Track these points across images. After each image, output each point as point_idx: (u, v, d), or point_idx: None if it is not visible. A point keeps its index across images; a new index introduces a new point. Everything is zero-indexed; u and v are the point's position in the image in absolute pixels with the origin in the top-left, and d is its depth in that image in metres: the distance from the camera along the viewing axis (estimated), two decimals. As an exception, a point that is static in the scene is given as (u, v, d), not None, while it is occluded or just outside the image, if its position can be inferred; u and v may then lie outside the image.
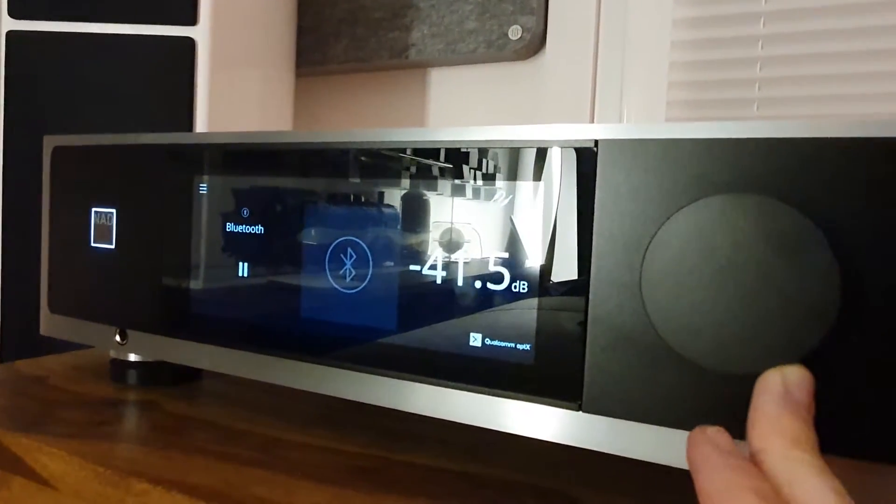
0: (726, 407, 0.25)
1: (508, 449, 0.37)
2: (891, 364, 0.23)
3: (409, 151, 0.33)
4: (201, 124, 0.75)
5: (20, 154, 0.76)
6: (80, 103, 0.74)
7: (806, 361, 0.23)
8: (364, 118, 1.06)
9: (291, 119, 0.99)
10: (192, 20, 0.74)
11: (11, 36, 0.74)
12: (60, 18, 0.73)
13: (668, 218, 0.25)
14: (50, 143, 0.45)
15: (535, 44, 0.91)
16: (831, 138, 0.23)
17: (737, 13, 0.82)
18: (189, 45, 0.74)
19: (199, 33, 0.75)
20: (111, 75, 0.74)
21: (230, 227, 0.37)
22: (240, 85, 0.84)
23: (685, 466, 0.27)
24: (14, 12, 0.74)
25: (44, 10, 0.73)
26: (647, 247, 0.26)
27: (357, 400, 0.34)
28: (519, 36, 0.91)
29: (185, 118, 0.75)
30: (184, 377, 0.48)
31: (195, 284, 0.39)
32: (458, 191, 0.31)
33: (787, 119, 0.24)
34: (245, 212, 0.37)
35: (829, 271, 0.23)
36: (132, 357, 0.47)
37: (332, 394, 0.35)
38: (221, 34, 0.77)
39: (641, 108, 0.87)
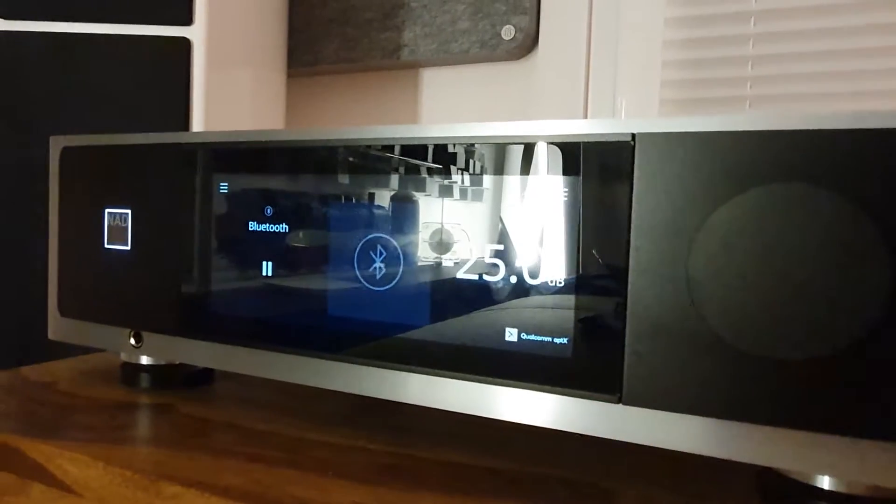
0: (773, 394, 0.25)
1: (536, 444, 0.38)
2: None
3: (449, 148, 0.32)
4: (197, 124, 0.75)
5: (15, 156, 0.74)
6: (76, 105, 0.73)
7: (854, 348, 0.24)
8: (356, 119, 1.05)
9: (283, 120, 0.98)
10: (187, 20, 0.74)
11: (3, 37, 0.72)
12: (54, 19, 0.72)
13: (714, 209, 0.26)
14: (58, 143, 0.45)
15: (528, 44, 0.92)
16: (876, 129, 0.24)
17: (728, 11, 0.83)
18: (185, 45, 0.74)
19: (194, 33, 0.74)
20: (106, 76, 0.73)
21: (252, 225, 0.37)
22: (234, 85, 0.83)
23: (726, 456, 0.27)
24: (6, 13, 0.72)
25: (37, 10, 0.72)
26: (692, 238, 0.26)
27: (390, 399, 0.34)
28: (512, 36, 0.91)
29: (181, 119, 0.74)
30: (196, 380, 0.47)
31: (216, 284, 0.38)
32: (494, 186, 0.31)
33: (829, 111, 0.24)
34: (268, 210, 0.37)
35: (877, 258, 0.23)
36: (144, 360, 0.46)
37: (363, 393, 0.35)
38: (216, 34, 0.76)
39: (634, 107, 0.88)
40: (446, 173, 0.32)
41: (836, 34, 0.78)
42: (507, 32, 0.92)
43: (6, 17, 0.72)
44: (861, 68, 0.77)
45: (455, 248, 0.32)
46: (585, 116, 0.90)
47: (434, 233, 0.33)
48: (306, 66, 1.03)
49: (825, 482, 0.27)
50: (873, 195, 0.23)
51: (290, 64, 1.02)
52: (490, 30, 0.92)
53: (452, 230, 0.32)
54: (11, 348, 0.75)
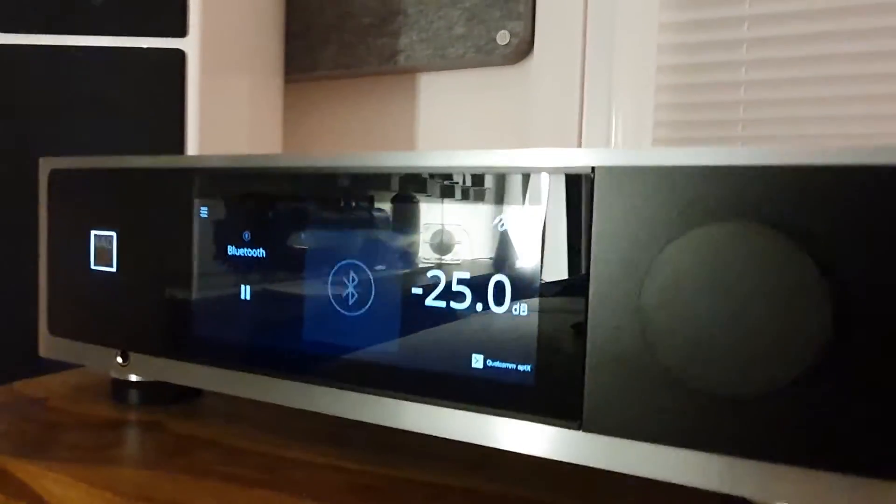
0: (719, 427, 0.26)
1: (510, 465, 0.38)
2: (880, 387, 0.24)
3: (402, 176, 0.33)
4: (192, 136, 0.75)
5: (8, 170, 0.75)
6: (70, 117, 0.74)
7: (798, 383, 0.24)
8: (353, 124, 1.06)
9: (281, 126, 0.99)
10: (181, 32, 0.74)
11: (-1, 50, 0.74)
12: (48, 31, 0.73)
13: (666, 244, 0.26)
14: (47, 165, 0.46)
15: (523, 48, 0.92)
16: (827, 165, 0.24)
17: (723, 15, 0.83)
18: (179, 56, 0.74)
19: (188, 45, 0.75)
20: (101, 88, 0.74)
21: (231, 250, 0.38)
22: (230, 95, 0.84)
23: (679, 481, 0.28)
24: (0, 26, 0.73)
25: (31, 23, 0.73)
26: (646, 272, 0.27)
27: (360, 420, 0.35)
28: (507, 41, 0.92)
29: (176, 130, 0.75)
30: (185, 395, 0.48)
31: (197, 307, 0.39)
32: (455, 213, 0.32)
33: (777, 143, 0.24)
34: (246, 235, 0.37)
35: (821, 298, 0.23)
36: (133, 377, 0.47)
37: (335, 414, 0.36)
38: (211, 45, 0.77)
39: (630, 112, 0.88)
40: (404, 200, 0.33)
41: (829, 60, 0.78)
42: (503, 37, 0.92)
43: (0, 30, 0.73)
44: (855, 94, 0.77)
45: (424, 275, 0.33)
46: (581, 121, 0.90)
47: (400, 261, 0.33)
48: (304, 73, 1.04)
49: (783, 509, 0.28)
50: (812, 232, 0.24)
51: (288, 70, 1.03)
52: (485, 35, 0.93)
53: (419, 260, 0.33)
54: (8, 363, 0.76)
